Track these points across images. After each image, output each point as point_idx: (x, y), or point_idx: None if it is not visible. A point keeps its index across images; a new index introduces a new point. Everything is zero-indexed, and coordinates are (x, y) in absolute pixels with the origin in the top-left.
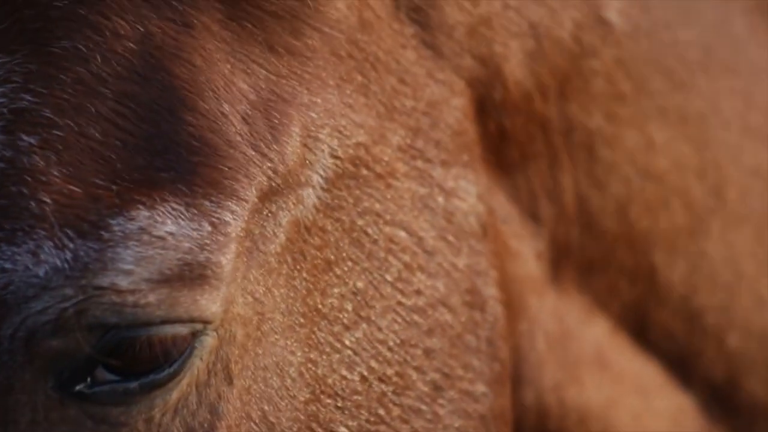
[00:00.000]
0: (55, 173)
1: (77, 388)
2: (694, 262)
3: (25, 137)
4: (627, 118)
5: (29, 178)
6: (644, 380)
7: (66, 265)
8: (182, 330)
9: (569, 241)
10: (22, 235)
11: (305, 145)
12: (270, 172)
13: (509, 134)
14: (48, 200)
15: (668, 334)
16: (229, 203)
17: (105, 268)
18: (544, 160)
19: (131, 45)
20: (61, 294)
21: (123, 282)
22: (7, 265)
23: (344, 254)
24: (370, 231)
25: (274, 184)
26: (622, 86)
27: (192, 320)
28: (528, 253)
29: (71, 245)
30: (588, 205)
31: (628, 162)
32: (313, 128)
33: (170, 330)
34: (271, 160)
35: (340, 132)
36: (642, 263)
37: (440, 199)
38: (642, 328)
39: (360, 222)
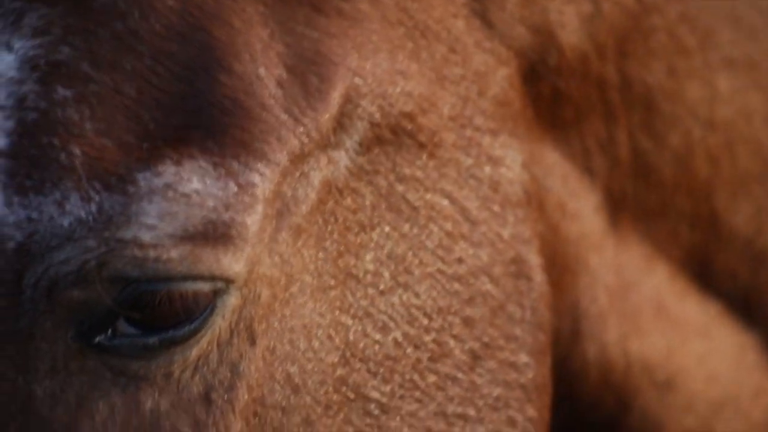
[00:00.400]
0: (88, 127)
1: (97, 339)
2: (760, 205)
3: (61, 90)
4: (690, 70)
5: (62, 130)
6: (706, 322)
7: (90, 217)
8: (203, 287)
9: (625, 192)
10: (50, 185)
11: (342, 112)
12: (303, 137)
13: (564, 95)
14: (78, 152)
15: (731, 276)
16: (258, 165)
17: (128, 221)
18: (598, 116)
19: (171, 3)
20: (84, 245)
21: (146, 236)
22: (34, 215)
23: (381, 219)
24: (410, 197)
25: (307, 148)
26: (686, 40)
27: (214, 278)
28: (586, 209)
29: (97, 198)
30: (645, 157)
31: (689, 114)
32: (354, 94)
33: (191, 286)
34: (304, 125)
35: (383, 99)
36: (702, 209)
37: (487, 169)
38: (704, 270)
39: (399, 188)
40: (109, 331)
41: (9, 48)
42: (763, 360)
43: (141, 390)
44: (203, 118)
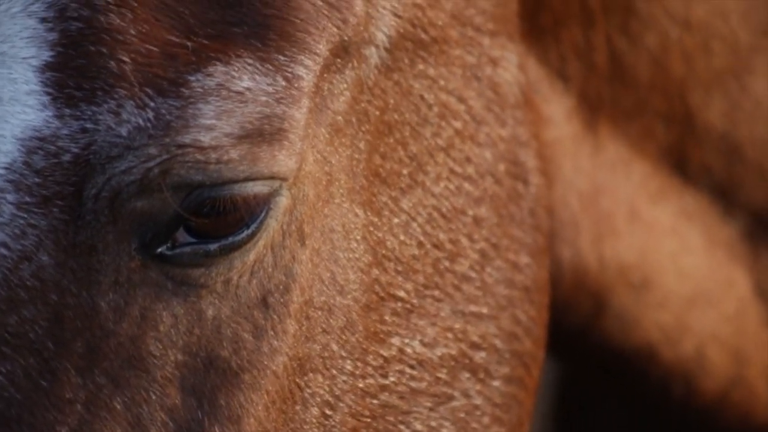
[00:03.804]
0: (132, 32)
1: (159, 250)
2: (734, 99)
3: None
4: None
5: (107, 37)
6: (678, 221)
7: (149, 124)
8: (263, 189)
9: (601, 95)
10: (102, 94)
11: (368, 0)
12: (340, 23)
13: (544, 1)
14: (127, 59)
15: (708, 169)
16: (302, 57)
17: (187, 124)
18: (576, 22)
19: None
20: (145, 153)
21: (205, 138)
22: (89, 125)
23: (403, 118)
24: (425, 96)
25: (345, 38)
26: None
27: (272, 176)
28: (558, 114)
29: (152, 104)
30: (621, 59)
31: (665, 15)
32: None
33: (252, 188)
34: (339, 11)
35: None
36: (677, 106)
37: (488, 69)
38: (681, 165)
39: (417, 86)
40: (170, 242)
41: None
42: (736, 252)
43: (202, 298)
44: (244, 10)
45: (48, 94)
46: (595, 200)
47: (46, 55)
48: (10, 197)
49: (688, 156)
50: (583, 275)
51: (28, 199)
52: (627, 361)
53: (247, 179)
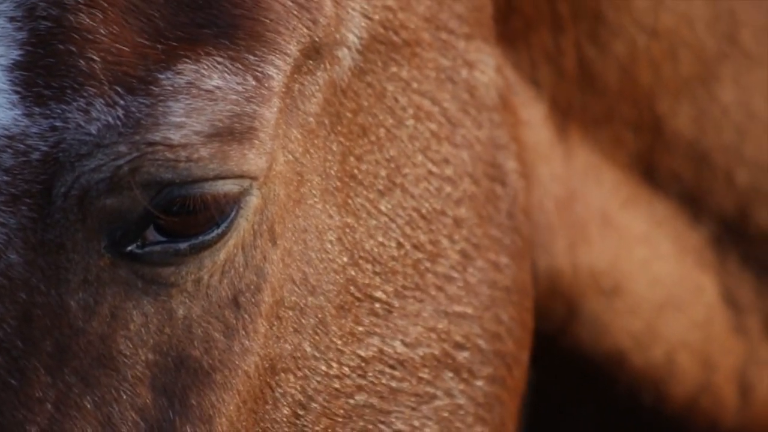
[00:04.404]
0: (102, 32)
1: (128, 248)
2: (701, 107)
3: None
4: None
5: (77, 36)
6: (650, 228)
7: (118, 122)
8: (233, 187)
9: (571, 102)
10: (72, 92)
11: (338, 2)
12: (310, 24)
13: (515, 5)
14: (96, 58)
15: (676, 176)
16: (272, 57)
17: (157, 122)
18: (546, 27)
19: None
20: (115, 151)
21: (175, 135)
22: (58, 123)
23: (378, 120)
24: (399, 98)
25: (315, 39)
26: None
27: (242, 175)
28: (535, 119)
29: (122, 102)
30: (590, 66)
31: (633, 23)
32: None
33: (222, 186)
34: (309, 11)
35: None
36: (646, 114)
37: (464, 72)
38: (650, 171)
39: (390, 88)
40: (139, 240)
41: None
42: (704, 258)
43: (173, 297)
44: (214, 12)
45: (17, 93)
46: (570, 206)
47: (14, 54)
48: None
49: (657, 163)
50: (557, 281)
51: None
52: (597, 367)
53: (217, 177)
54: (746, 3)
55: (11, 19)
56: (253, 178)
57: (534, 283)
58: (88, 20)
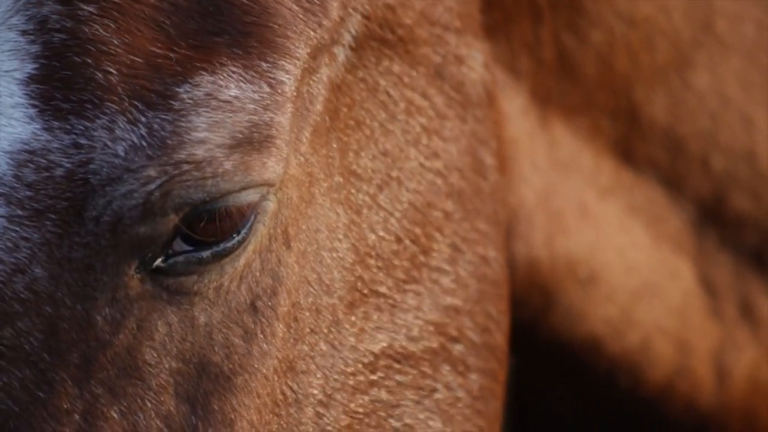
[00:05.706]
0: (116, 42)
1: (155, 264)
2: (676, 95)
3: (84, 6)
4: None
5: (92, 48)
6: (626, 217)
7: (144, 143)
8: (255, 196)
9: (550, 91)
10: (92, 108)
11: (342, 3)
12: (316, 27)
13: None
14: (113, 70)
15: (653, 163)
16: (283, 62)
17: (182, 140)
18: (526, 19)
19: None
20: (145, 176)
21: (199, 151)
22: (82, 141)
23: (371, 114)
24: (391, 92)
25: (322, 41)
26: None
27: (264, 183)
28: (514, 111)
29: (143, 119)
30: (568, 56)
31: (612, 12)
32: None
33: (245, 197)
34: (315, 14)
35: None
36: (622, 102)
37: (452, 68)
38: (628, 159)
39: (382, 82)
40: (165, 254)
41: None
42: (682, 243)
43: (195, 305)
44: (224, 19)
45: (34, 106)
46: (549, 196)
47: (29, 67)
48: (1, 210)
49: (635, 151)
50: (535, 271)
51: (19, 212)
52: (574, 354)
53: (242, 189)
54: None
55: (23, 33)
56: (271, 185)
57: (513, 274)
58: (102, 31)
